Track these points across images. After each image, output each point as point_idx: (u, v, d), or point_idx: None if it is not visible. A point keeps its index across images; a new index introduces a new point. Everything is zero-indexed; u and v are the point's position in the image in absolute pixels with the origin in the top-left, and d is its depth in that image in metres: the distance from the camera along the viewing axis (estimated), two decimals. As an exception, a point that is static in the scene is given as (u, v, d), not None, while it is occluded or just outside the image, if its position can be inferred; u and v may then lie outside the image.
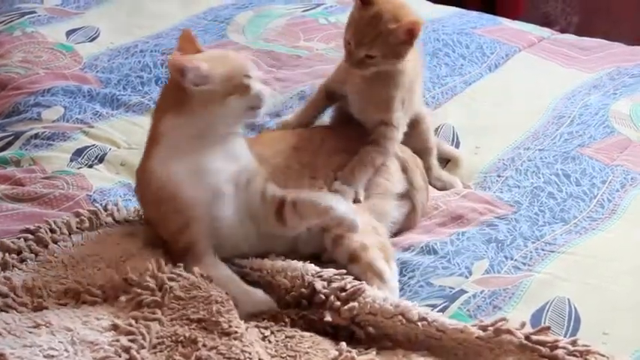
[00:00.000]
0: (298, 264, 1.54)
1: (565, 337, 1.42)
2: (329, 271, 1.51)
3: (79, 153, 1.95)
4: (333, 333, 1.46)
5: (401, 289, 1.56)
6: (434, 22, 2.57)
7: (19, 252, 1.60)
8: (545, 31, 2.58)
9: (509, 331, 1.36)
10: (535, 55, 2.40)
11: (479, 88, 2.23)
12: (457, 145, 2.00)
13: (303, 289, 1.49)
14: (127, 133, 2.03)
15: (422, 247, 1.65)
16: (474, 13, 2.69)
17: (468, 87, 2.23)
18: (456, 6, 2.79)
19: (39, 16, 2.56)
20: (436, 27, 2.53)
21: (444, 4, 2.77)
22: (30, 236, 1.63)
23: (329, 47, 2.41)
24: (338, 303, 1.44)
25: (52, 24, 2.53)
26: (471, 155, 1.97)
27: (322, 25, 2.55)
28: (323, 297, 1.46)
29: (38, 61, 2.32)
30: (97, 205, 1.74)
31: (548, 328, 1.39)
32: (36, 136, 2.00)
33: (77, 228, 1.66)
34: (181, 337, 1.40)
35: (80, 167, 1.90)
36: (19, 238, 1.62)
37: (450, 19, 2.59)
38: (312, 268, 1.52)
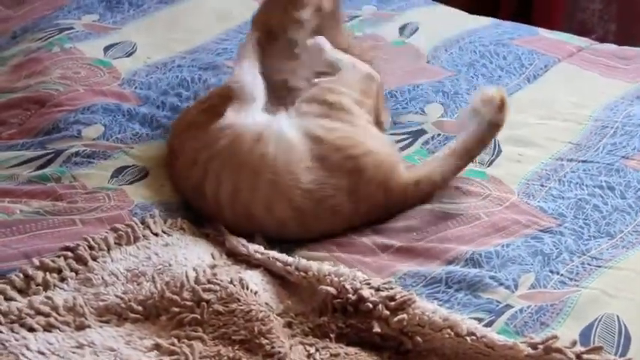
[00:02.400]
0: (346, 270, 1.52)
1: (616, 355, 1.39)
2: (377, 280, 1.50)
3: (120, 171, 1.95)
4: (380, 342, 1.45)
5: (448, 301, 1.55)
6: (470, 33, 2.55)
7: (59, 271, 1.60)
8: (584, 41, 2.55)
9: (559, 350, 1.34)
10: (575, 65, 2.37)
11: (518, 99, 2.19)
12: (498, 153, 1.97)
13: (349, 296, 1.47)
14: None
15: (467, 260, 1.63)
16: (510, 24, 2.67)
17: (507, 98, 2.20)
18: (491, 16, 2.77)
19: (77, 32, 2.57)
20: (473, 38, 2.51)
21: (477, 14, 2.75)
22: (69, 254, 1.63)
23: (368, 61, 2.40)
24: (387, 312, 1.43)
25: (89, 40, 2.54)
26: (513, 162, 1.95)
27: (358, 37, 2.52)
28: (371, 305, 1.44)
29: (77, 78, 2.33)
30: (134, 219, 1.75)
31: (601, 348, 1.37)
32: (76, 154, 2.00)
33: (115, 243, 1.66)
34: (225, 358, 1.39)
35: (121, 184, 1.90)
36: (58, 257, 1.63)
37: (486, 30, 2.57)
38: (360, 275, 1.51)
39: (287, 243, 1.76)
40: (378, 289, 1.45)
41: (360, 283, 1.47)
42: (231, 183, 1.75)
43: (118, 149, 2.02)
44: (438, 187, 1.82)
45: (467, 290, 1.56)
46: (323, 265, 1.54)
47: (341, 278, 1.48)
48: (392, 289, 1.46)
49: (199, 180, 1.79)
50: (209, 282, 1.49)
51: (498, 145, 2.00)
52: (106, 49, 2.50)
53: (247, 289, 1.48)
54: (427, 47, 2.47)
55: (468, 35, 2.53)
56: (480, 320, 1.47)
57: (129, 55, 2.48)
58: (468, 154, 1.86)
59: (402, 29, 2.58)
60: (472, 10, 2.79)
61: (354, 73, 1.89)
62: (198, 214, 1.84)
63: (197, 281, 1.50)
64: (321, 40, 1.96)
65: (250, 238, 1.75)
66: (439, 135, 2.05)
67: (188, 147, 1.84)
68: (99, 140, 2.06)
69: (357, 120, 1.82)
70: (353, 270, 1.52)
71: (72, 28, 2.59)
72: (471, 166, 1.92)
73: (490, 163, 1.93)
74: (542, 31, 2.60)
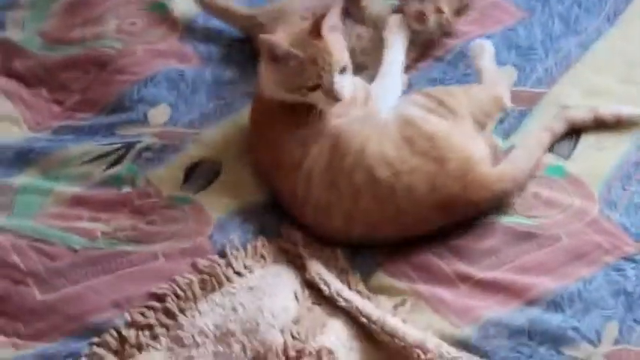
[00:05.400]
0: (434, 341, 1.56)
1: None
2: (469, 357, 1.53)
3: (192, 170, 1.95)
4: None
5: (530, 357, 1.58)
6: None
7: (150, 327, 1.65)
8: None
9: None
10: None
11: (597, 52, 2.07)
12: (577, 140, 1.90)
13: None
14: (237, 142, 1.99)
15: (548, 303, 1.64)
16: None
17: (585, 51, 2.08)
18: None
19: (126, -43, 2.45)
20: (546, -48, 2.33)
21: None
22: (158, 305, 1.68)
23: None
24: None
25: (141, -31, 2.42)
26: (593, 151, 1.88)
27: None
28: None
29: (134, 31, 2.26)
30: (215, 257, 1.76)
31: None
32: (147, 148, 1.98)
33: (201, 288, 1.70)
34: None
35: (197, 191, 1.90)
36: (148, 308, 1.68)
37: None
38: (447, 350, 1.54)
39: (367, 249, 1.78)
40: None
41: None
42: (328, 154, 1.79)
43: (188, 137, 2.00)
44: (519, 186, 1.80)
45: (550, 344, 1.58)
46: (410, 329, 1.58)
47: (428, 356, 1.52)
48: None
49: (299, 159, 1.81)
50: (298, 355, 1.54)
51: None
52: (163, -15, 2.39)
53: (337, 363, 1.53)
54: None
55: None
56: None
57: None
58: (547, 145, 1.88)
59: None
60: None
61: (486, 91, 1.91)
62: (278, 215, 1.86)
63: (286, 353, 1.54)
64: (488, 47, 2.01)
65: (332, 248, 1.77)
66: (514, 110, 1.97)
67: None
68: (167, 127, 2.04)
69: (461, 122, 1.82)
70: (441, 344, 1.54)
71: (124, -45, 2.46)
72: (550, 158, 1.88)
73: (569, 155, 1.87)
74: None
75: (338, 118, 1.82)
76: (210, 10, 2.23)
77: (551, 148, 1.89)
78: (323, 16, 1.78)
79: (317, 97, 1.79)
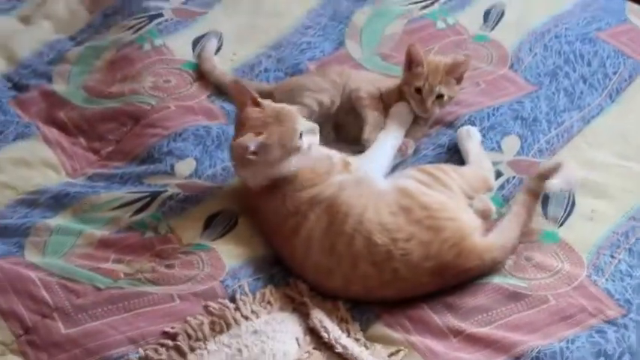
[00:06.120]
0: None
1: None
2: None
3: (211, 220, 2.09)
4: None
5: (513, 409, 1.70)
6: (556, 20, 2.50)
7: (162, 363, 1.80)
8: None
9: None
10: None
11: (597, 128, 2.20)
12: (572, 207, 2.03)
13: None
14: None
15: (532, 359, 1.75)
16: (600, 2, 2.58)
17: (586, 125, 2.21)
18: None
19: (166, 21, 2.63)
20: (559, 31, 2.47)
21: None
22: (170, 343, 1.81)
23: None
24: None
25: (178, 31, 2.61)
26: (586, 220, 1.99)
27: (440, 30, 2.53)
28: None
29: (168, 88, 2.43)
30: (225, 301, 1.89)
31: None
32: (170, 197, 2.14)
33: (210, 329, 1.84)
34: None
35: (214, 239, 2.05)
36: (161, 345, 1.82)
37: (573, 17, 2.49)
38: None
39: (366, 305, 1.91)
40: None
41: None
42: (327, 219, 1.93)
43: (209, 190, 2.15)
44: (509, 252, 1.93)
45: (531, 398, 1.69)
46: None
47: None
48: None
49: (295, 226, 1.95)
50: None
51: (573, 196, 2.04)
52: (195, 43, 2.57)
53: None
54: (511, 43, 2.46)
55: (554, 24, 2.48)
56: None
57: (216, 51, 2.54)
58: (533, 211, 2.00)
59: (486, 15, 2.55)
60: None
61: (475, 170, 2.07)
62: (285, 268, 2.00)
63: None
64: (474, 132, 2.16)
65: (333, 300, 1.91)
66: (514, 178, 2.10)
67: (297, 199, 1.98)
68: (191, 179, 2.19)
69: (453, 195, 1.97)
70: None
71: (161, 15, 2.65)
72: (544, 223, 2.00)
73: (563, 222, 1.99)
74: (633, 16, 2.51)
75: (315, 187, 1.97)
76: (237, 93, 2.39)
77: (547, 214, 2.01)
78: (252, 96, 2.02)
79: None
